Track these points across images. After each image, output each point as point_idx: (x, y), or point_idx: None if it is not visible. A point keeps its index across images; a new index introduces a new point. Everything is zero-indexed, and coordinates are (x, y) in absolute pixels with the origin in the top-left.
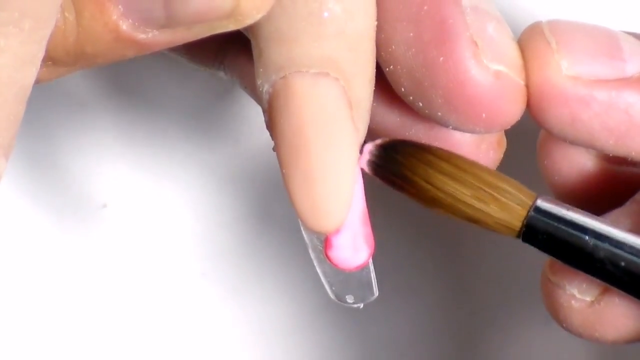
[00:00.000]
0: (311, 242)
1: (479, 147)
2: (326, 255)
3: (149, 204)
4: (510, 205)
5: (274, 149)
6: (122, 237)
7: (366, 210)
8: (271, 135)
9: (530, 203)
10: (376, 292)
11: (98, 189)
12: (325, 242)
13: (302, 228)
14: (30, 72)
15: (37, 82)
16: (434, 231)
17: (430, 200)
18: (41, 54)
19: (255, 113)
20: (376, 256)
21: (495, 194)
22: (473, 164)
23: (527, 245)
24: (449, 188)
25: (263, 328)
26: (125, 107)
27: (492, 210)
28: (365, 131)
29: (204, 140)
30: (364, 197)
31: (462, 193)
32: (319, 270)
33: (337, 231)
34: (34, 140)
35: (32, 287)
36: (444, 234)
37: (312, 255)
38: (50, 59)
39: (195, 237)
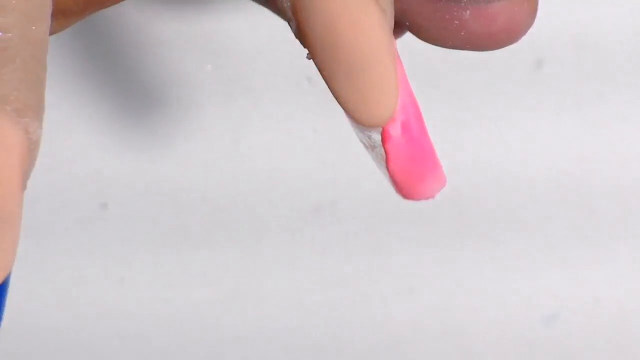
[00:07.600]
0: (368, 142)
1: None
2: (386, 150)
3: (149, 204)
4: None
5: (308, 57)
6: (122, 237)
7: (414, 94)
8: (302, 43)
9: None
10: (446, 181)
11: (98, 189)
12: (382, 136)
13: (355, 131)
14: (42, 28)
15: (50, 34)
16: (433, 231)
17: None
18: (49, 8)
19: (255, 113)
20: (377, 256)
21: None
22: None
23: (526, 244)
24: None
25: (263, 329)
26: (125, 107)
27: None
28: (393, 14)
29: (204, 140)
30: (408, 83)
31: None
32: (381, 171)
33: (393, 120)
34: None
35: (32, 287)
36: (443, 234)
37: (372, 157)
38: (61, 13)
39: (195, 238)
